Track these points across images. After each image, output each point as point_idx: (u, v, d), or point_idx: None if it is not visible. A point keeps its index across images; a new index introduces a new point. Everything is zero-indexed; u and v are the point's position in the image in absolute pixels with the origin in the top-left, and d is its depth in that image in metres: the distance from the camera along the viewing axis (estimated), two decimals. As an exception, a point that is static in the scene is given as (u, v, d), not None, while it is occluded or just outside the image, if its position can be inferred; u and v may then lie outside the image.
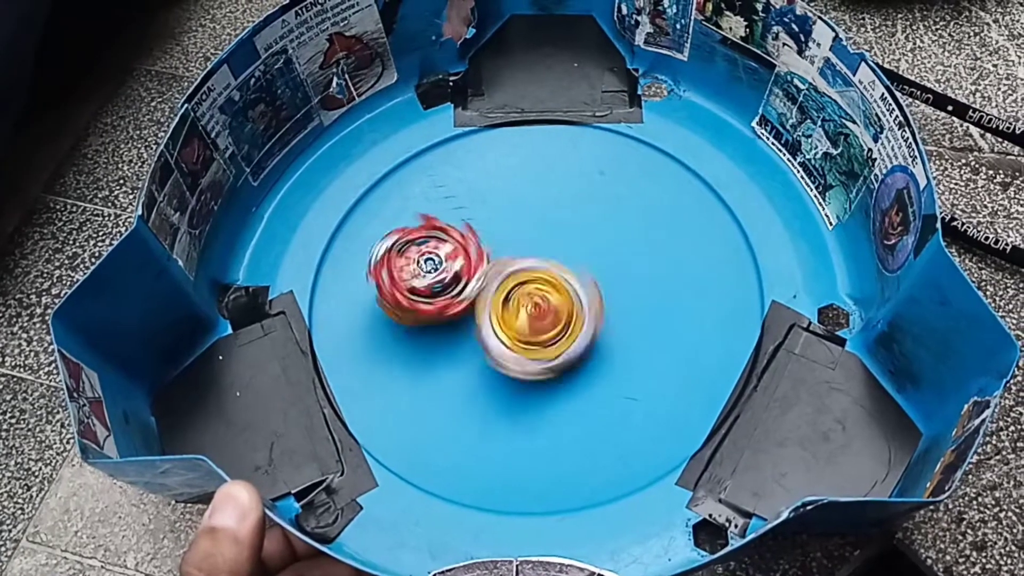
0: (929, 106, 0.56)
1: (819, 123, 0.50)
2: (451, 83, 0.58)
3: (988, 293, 0.51)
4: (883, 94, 0.45)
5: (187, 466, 0.36)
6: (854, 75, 0.46)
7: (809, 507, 0.34)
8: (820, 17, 0.47)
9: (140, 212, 0.43)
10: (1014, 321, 0.51)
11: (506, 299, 0.46)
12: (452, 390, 0.48)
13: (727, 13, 0.51)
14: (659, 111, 0.57)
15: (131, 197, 0.57)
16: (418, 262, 0.47)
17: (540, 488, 0.46)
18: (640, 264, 0.52)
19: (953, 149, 0.57)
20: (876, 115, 0.46)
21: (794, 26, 0.48)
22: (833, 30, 0.47)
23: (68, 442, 0.49)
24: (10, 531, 0.47)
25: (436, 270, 0.47)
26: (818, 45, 0.48)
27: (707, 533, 0.44)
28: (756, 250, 0.51)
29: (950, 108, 0.55)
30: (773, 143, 0.55)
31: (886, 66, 0.60)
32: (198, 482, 0.39)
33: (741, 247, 0.52)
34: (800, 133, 0.52)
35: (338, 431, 0.47)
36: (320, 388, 0.48)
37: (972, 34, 0.62)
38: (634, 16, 0.56)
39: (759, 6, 0.50)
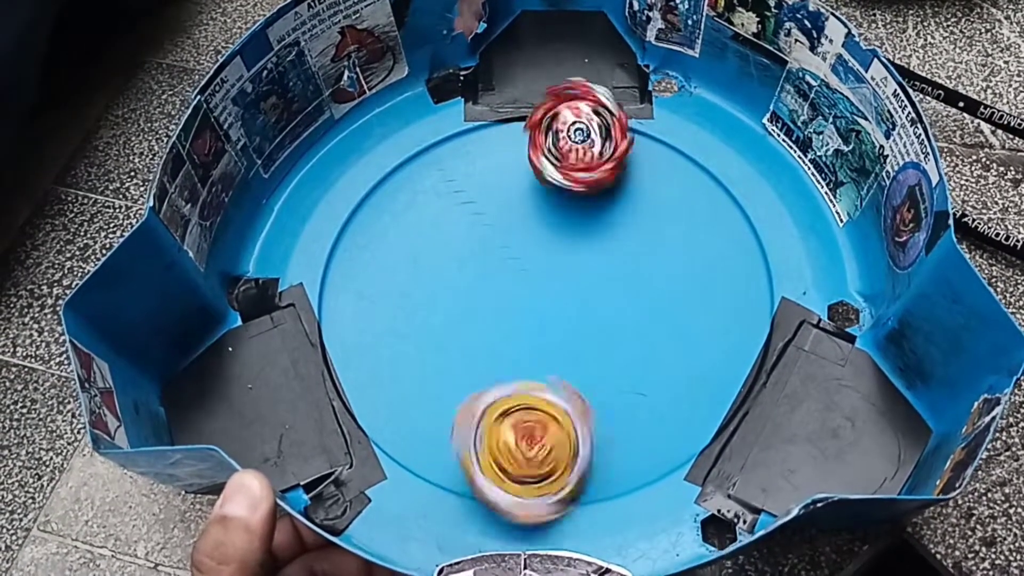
0: (940, 102, 0.56)
1: (830, 120, 0.50)
2: (462, 77, 0.58)
3: (999, 290, 0.51)
4: (895, 90, 0.45)
5: (199, 456, 0.37)
6: (866, 71, 0.46)
7: (819, 504, 0.34)
8: (833, 13, 0.47)
9: (151, 203, 0.43)
10: (1024, 319, 0.51)
11: (493, 442, 0.42)
12: (462, 383, 0.48)
13: (739, 9, 0.51)
14: (670, 107, 0.57)
15: (142, 189, 0.58)
16: (569, 129, 0.49)
17: (548, 482, 0.46)
18: (650, 260, 0.52)
19: (964, 145, 0.57)
20: (888, 112, 0.46)
21: (806, 22, 0.48)
22: (845, 26, 0.46)
23: (79, 432, 0.50)
24: (21, 520, 0.47)
25: (581, 142, 0.48)
26: (830, 41, 0.48)
27: (715, 529, 0.44)
28: (766, 246, 0.51)
29: (961, 104, 0.55)
30: (784, 140, 0.54)
31: (897, 62, 0.59)
32: (208, 473, 0.39)
33: (751, 243, 0.52)
34: (811, 130, 0.52)
35: (347, 423, 0.47)
36: (329, 380, 0.48)
37: (983, 31, 0.61)
38: (645, 12, 0.55)
39: (771, 2, 0.49)
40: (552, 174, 0.51)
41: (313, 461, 0.46)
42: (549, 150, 0.51)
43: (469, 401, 0.43)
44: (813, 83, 0.50)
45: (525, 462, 0.41)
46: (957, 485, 0.36)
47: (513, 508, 0.42)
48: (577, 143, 0.50)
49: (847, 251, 0.51)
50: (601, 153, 0.50)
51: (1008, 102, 0.58)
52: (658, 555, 0.43)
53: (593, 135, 0.50)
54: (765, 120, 0.55)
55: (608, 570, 0.38)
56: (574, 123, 0.50)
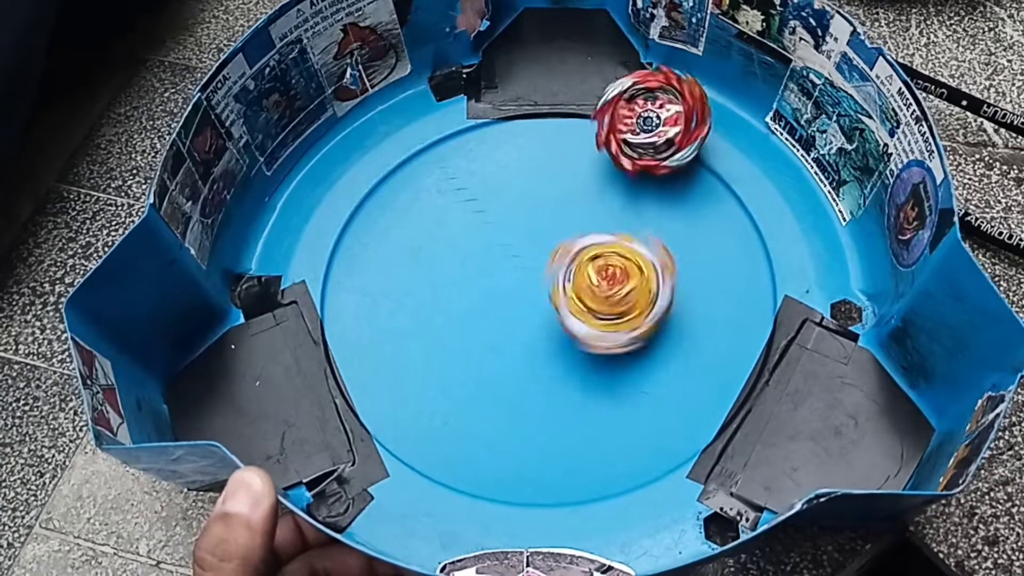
0: (943, 101, 0.56)
1: (834, 118, 0.50)
2: (464, 75, 0.58)
3: (1002, 288, 0.51)
4: (900, 89, 0.45)
5: (200, 453, 0.37)
6: (871, 70, 0.46)
7: (823, 499, 0.34)
8: (838, 11, 0.47)
9: (152, 201, 0.43)
10: (1028, 318, 0.50)
11: (580, 279, 0.47)
12: (464, 381, 0.48)
13: (744, 7, 0.51)
14: (672, 105, 0.56)
15: (144, 187, 0.58)
16: (638, 118, 0.50)
17: (551, 480, 0.46)
18: (652, 257, 0.52)
19: (967, 144, 0.57)
20: (893, 110, 0.46)
21: (812, 20, 0.48)
22: (851, 24, 0.46)
23: (81, 430, 0.49)
24: (23, 517, 0.47)
25: (651, 131, 0.49)
26: (835, 40, 0.48)
27: (718, 526, 0.44)
28: (769, 245, 0.51)
29: (964, 103, 0.55)
30: (787, 139, 0.54)
31: (900, 61, 0.59)
32: (211, 469, 0.39)
33: (754, 242, 0.52)
34: (815, 128, 0.52)
35: (350, 421, 0.47)
36: (332, 378, 0.48)
37: (987, 29, 0.61)
38: (649, 10, 0.55)
39: (777, 0, 0.49)
40: (625, 163, 0.52)
41: (316, 458, 0.46)
42: (624, 137, 0.51)
43: (568, 241, 0.48)
44: (817, 81, 0.50)
45: (604, 299, 0.45)
46: (960, 482, 0.36)
47: (589, 339, 0.46)
48: (649, 132, 0.50)
49: (850, 250, 0.51)
50: (677, 133, 0.51)
51: (1011, 101, 0.58)
52: (661, 552, 0.43)
53: (663, 115, 0.50)
54: (768, 119, 0.55)
55: (610, 568, 0.38)
56: (641, 114, 0.51)
